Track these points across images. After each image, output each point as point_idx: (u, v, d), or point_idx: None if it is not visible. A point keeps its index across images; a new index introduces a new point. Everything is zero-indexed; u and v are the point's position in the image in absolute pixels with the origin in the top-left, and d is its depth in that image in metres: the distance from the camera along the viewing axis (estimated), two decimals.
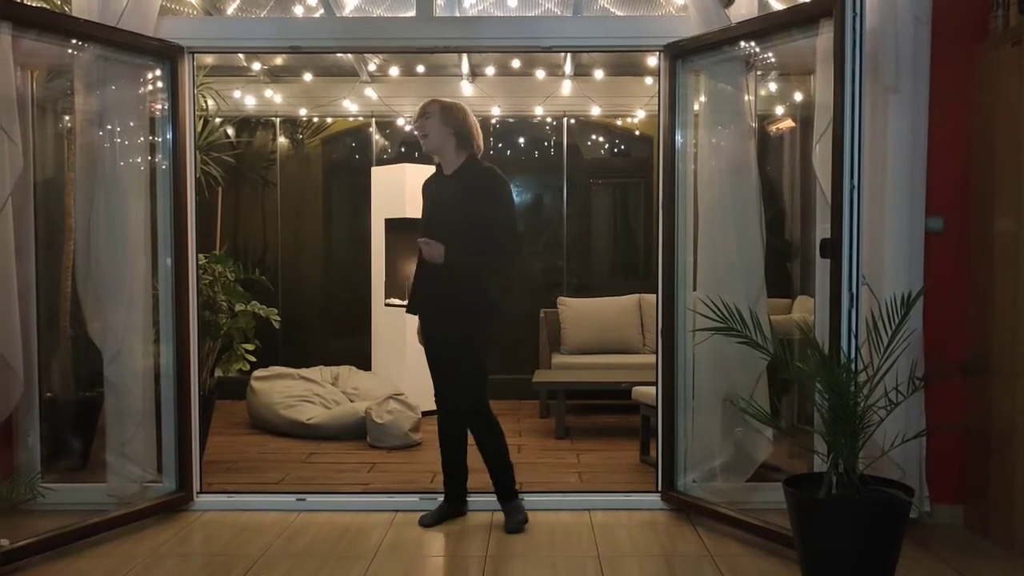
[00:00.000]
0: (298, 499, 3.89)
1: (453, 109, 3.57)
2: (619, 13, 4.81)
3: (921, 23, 3.33)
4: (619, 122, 7.14)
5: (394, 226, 6.15)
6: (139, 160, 3.73)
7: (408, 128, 7.08)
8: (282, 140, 7.14)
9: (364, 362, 6.36)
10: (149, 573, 3.09)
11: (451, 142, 3.56)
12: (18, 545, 3.13)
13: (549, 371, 6.19)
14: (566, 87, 6.60)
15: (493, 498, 3.67)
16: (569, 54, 6.03)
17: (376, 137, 7.12)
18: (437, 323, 3.60)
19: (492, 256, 3.59)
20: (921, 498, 3.42)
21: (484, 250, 3.53)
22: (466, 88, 6.62)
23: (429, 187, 3.71)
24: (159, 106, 3.79)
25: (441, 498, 3.74)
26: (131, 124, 3.71)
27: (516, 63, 6.31)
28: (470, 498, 3.76)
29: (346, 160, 7.34)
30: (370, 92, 6.76)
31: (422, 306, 3.64)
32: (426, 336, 3.66)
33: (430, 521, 3.61)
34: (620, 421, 5.67)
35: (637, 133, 7.18)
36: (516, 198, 4.48)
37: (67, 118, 4.13)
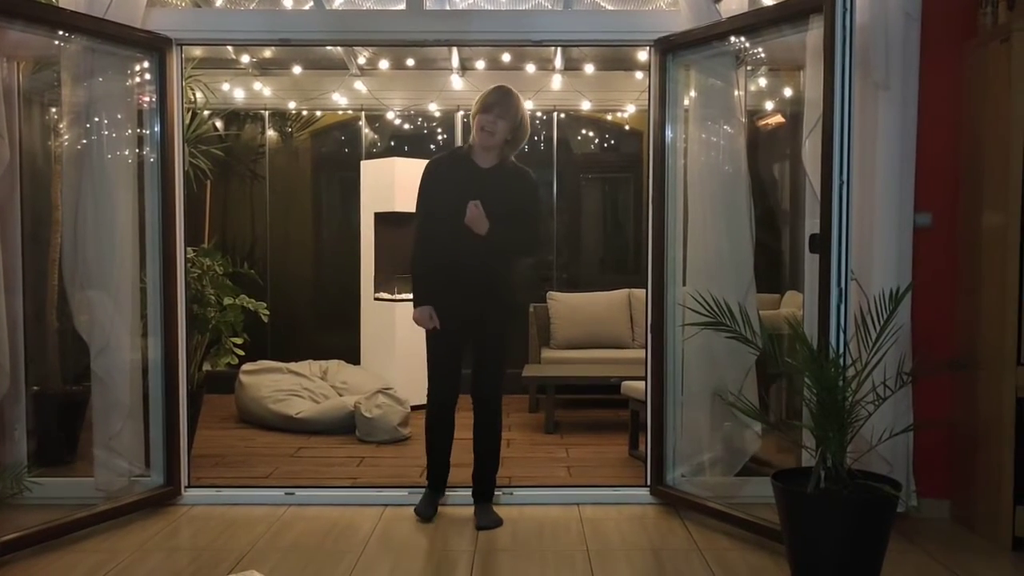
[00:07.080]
0: (287, 493, 3.88)
1: None
2: (610, 7, 4.80)
3: (911, 19, 3.35)
4: (609, 117, 7.14)
5: (383, 220, 6.14)
6: (127, 153, 3.70)
7: (398, 121, 7.06)
8: (271, 133, 7.10)
9: (353, 356, 6.34)
10: (137, 568, 3.07)
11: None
12: (4, 540, 3.11)
13: (538, 365, 6.18)
14: (556, 81, 6.59)
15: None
16: (560, 48, 6.02)
17: (365, 131, 7.10)
18: (487, 310, 3.54)
19: (525, 251, 3.75)
20: (908, 492, 3.44)
21: (525, 242, 3.63)
22: (456, 82, 6.61)
23: (458, 172, 3.55)
24: (147, 98, 3.76)
25: (425, 490, 3.71)
26: (118, 116, 3.68)
27: (506, 57, 6.29)
28: (457, 492, 3.76)
29: (335, 153, 7.31)
30: (359, 85, 6.73)
31: (469, 292, 3.52)
32: (464, 322, 3.54)
33: (431, 513, 3.61)
34: (609, 416, 5.68)
35: (627, 128, 7.18)
36: None
37: (54, 110, 4.10)
